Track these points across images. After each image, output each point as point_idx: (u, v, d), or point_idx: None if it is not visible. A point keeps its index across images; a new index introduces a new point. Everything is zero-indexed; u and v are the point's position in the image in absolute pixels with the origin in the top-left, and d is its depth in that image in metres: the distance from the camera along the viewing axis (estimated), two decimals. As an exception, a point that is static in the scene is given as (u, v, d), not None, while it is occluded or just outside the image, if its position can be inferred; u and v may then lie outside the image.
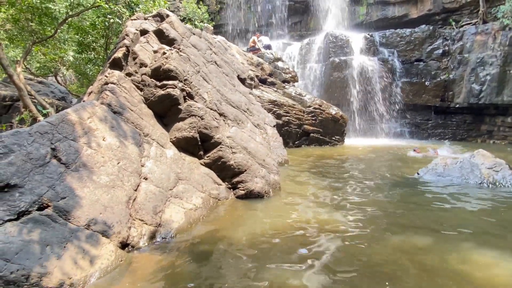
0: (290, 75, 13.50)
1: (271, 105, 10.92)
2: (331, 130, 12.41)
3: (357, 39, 16.68)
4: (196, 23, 15.53)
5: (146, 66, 5.17)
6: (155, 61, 5.17)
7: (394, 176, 6.93)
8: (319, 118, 12.07)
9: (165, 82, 5.01)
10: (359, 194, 5.42)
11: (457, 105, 15.93)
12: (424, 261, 3.06)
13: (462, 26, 16.97)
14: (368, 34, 16.89)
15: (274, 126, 8.56)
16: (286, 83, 12.91)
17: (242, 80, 8.51)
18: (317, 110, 12.10)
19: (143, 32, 5.67)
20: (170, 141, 4.92)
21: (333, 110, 12.50)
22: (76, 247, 2.75)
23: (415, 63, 16.37)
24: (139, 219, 3.44)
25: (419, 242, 3.51)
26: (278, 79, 12.73)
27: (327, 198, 5.09)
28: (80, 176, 3.19)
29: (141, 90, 5.03)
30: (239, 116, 6.12)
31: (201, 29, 9.55)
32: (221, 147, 5.15)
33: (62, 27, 9.33)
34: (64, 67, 12.46)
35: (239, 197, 5.01)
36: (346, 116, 13.00)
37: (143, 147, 4.29)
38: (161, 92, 4.95)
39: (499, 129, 15.74)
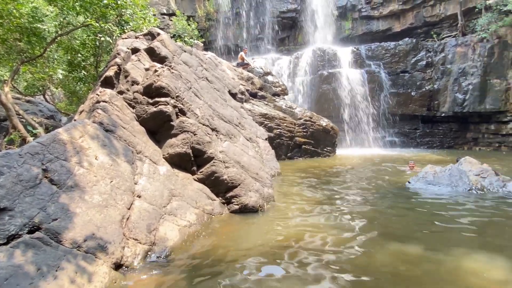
0: (280, 89, 13.71)
1: (262, 119, 11.02)
2: (322, 142, 12.55)
3: (344, 53, 17.17)
4: (186, 39, 15.75)
5: (138, 84, 5.20)
6: (147, 78, 5.21)
7: (386, 186, 7.02)
8: (310, 130, 12.22)
9: (157, 99, 5.04)
10: (352, 205, 5.46)
11: (443, 114, 16.40)
12: (419, 269, 3.08)
13: (443, 38, 17.71)
14: (355, 48, 17.42)
15: (266, 139, 8.62)
16: (277, 97, 13.10)
17: (233, 95, 8.61)
18: (308, 122, 12.26)
19: (134, 50, 5.73)
20: (163, 158, 4.90)
21: (324, 122, 12.69)
22: (69, 270, 2.68)
23: (400, 74, 16.90)
24: (133, 238, 3.38)
25: (412, 250, 3.54)
26: (268, 93, 12.91)
27: (320, 210, 5.11)
28: (72, 197, 3.14)
29: (133, 107, 5.03)
30: (231, 130, 6.16)
31: (191, 46, 9.70)
32: (214, 162, 5.15)
33: (51, 46, 9.33)
34: (53, 86, 12.37)
35: (233, 212, 4.98)
36: (337, 127, 13.21)
37: (136, 165, 4.26)
38: (153, 109, 4.97)
39: (483, 136, 16.22)
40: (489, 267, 3.13)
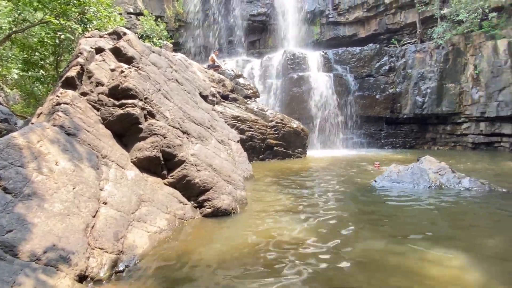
0: (251, 91, 13.77)
1: (234, 121, 11.00)
2: (293, 143, 12.78)
3: (313, 57, 17.65)
4: (154, 40, 15.34)
5: (103, 85, 4.96)
6: (113, 79, 4.99)
7: (354, 185, 7.29)
8: (282, 132, 12.40)
9: (124, 101, 4.84)
10: (323, 205, 5.60)
11: (405, 116, 17.41)
12: (384, 264, 3.23)
13: (404, 44, 18.83)
14: (323, 52, 17.98)
15: (238, 142, 8.61)
16: (248, 99, 13.14)
17: (205, 97, 8.50)
18: (279, 124, 12.42)
19: (99, 50, 5.46)
20: (131, 162, 4.71)
21: (295, 124, 12.93)
22: (26, 285, 2.48)
23: (366, 78, 17.71)
24: (99, 248, 3.21)
25: (378, 247, 3.70)
26: (240, 95, 12.92)
27: (292, 212, 5.18)
28: (30, 206, 2.91)
29: (97, 110, 4.79)
30: (203, 133, 6.08)
31: (160, 47, 9.45)
32: (185, 166, 5.04)
33: (4, 44, 8.64)
34: (7, 86, 11.44)
35: (206, 216, 4.90)
36: (307, 129, 13.52)
37: (102, 170, 4.05)
38: (120, 111, 4.76)
39: (441, 137, 17.46)
40: (448, 256, 3.36)
